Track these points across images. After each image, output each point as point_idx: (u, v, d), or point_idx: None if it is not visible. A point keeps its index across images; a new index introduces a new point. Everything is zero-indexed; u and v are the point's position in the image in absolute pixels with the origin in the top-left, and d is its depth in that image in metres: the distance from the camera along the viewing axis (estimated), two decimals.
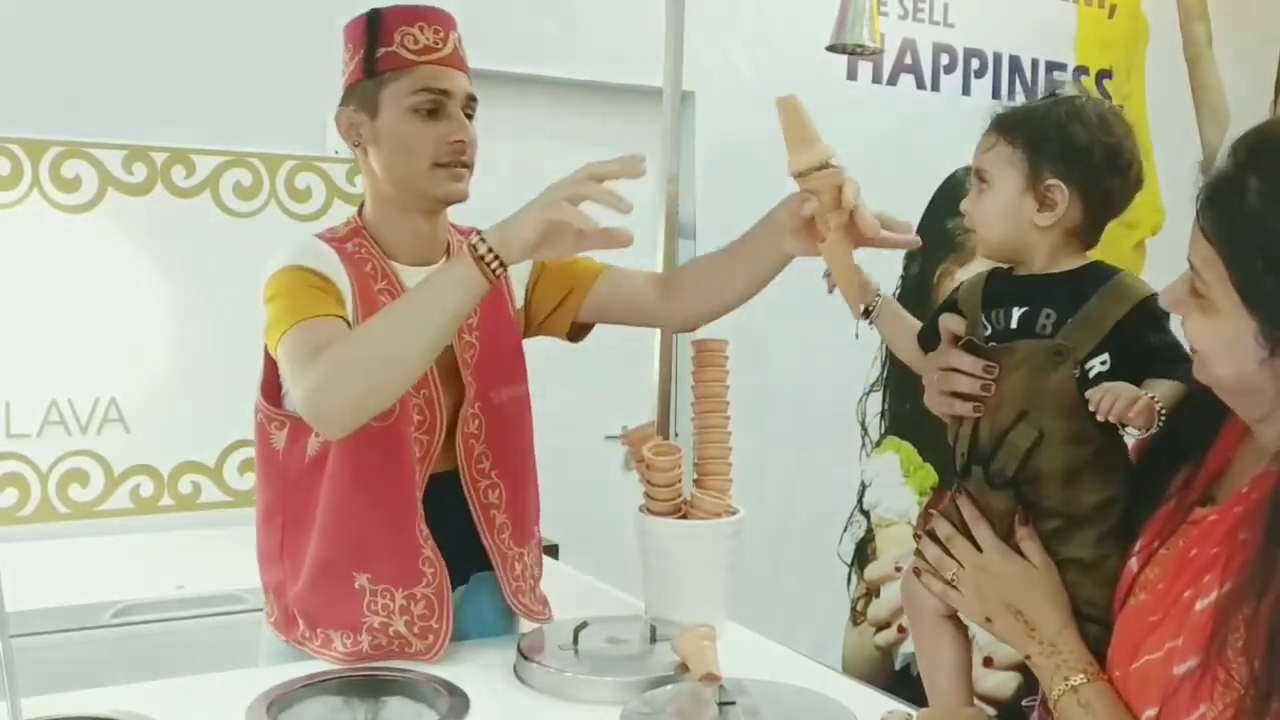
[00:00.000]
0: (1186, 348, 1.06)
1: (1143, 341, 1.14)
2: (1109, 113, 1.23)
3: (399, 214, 1.65)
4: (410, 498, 1.60)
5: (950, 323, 1.26)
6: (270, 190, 2.97)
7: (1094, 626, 1.12)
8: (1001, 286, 1.26)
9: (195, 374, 2.86)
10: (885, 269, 3.83)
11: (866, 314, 1.43)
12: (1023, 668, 1.19)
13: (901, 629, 3.86)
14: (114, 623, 2.28)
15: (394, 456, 1.58)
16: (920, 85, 3.89)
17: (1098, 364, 1.15)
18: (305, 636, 1.63)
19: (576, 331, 1.77)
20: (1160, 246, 4.05)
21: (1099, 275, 1.20)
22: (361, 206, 1.70)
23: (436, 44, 1.61)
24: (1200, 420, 1.09)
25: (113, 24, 2.81)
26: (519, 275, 1.75)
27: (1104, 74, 4.19)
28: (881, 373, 3.85)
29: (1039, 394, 1.17)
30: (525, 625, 1.74)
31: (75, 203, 2.79)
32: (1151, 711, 0.99)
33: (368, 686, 1.52)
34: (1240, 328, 0.94)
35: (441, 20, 1.64)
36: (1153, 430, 1.10)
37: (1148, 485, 1.14)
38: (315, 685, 1.50)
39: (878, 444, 3.90)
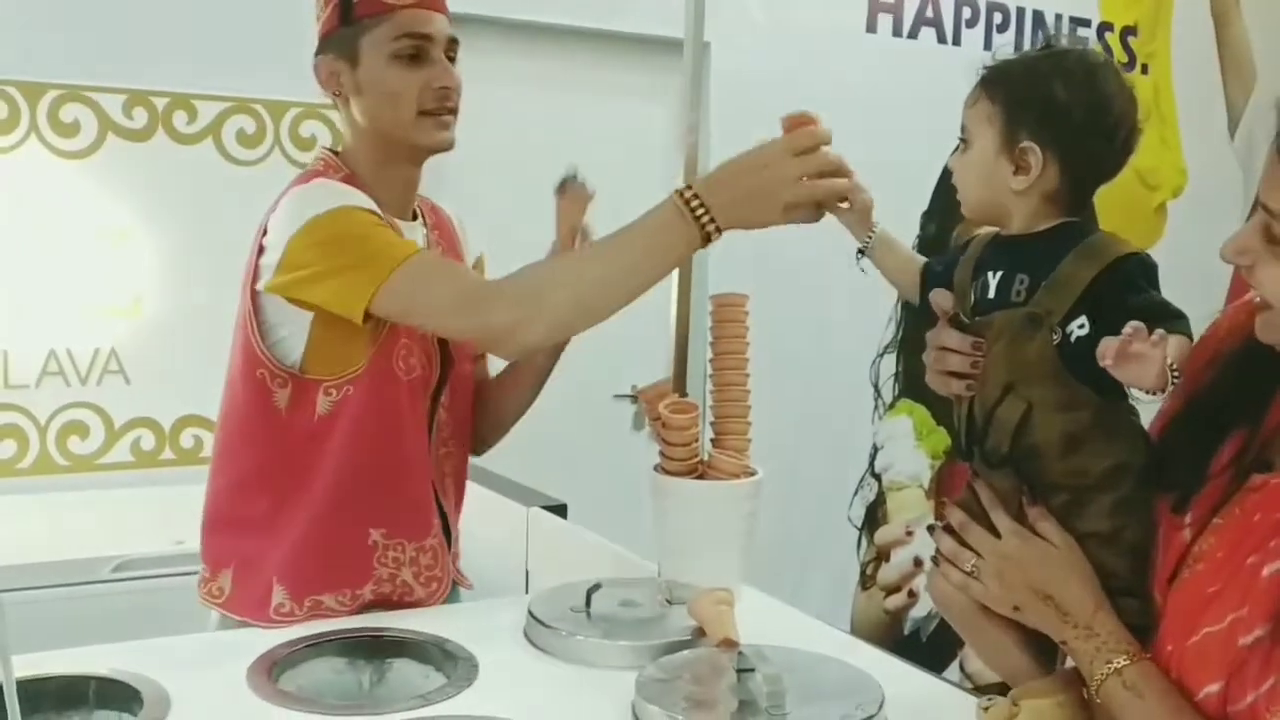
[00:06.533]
0: (1178, 307, 1.03)
1: (1121, 303, 1.06)
2: (1099, 67, 1.13)
3: (385, 164, 1.59)
4: (425, 449, 1.60)
5: (938, 298, 1.20)
6: (274, 138, 2.90)
7: (1129, 600, 1.06)
8: (989, 251, 1.19)
9: (197, 325, 2.79)
10: (902, 231, 3.75)
11: (862, 253, 1.40)
12: None
13: (912, 593, 3.82)
14: (113, 578, 2.26)
15: (416, 406, 1.57)
16: (941, 39, 3.81)
17: (1075, 328, 1.08)
18: (283, 611, 1.52)
19: None
20: (1182, 209, 3.96)
21: (1072, 235, 1.13)
22: (338, 153, 1.62)
23: None
24: (1252, 384, 1.03)
25: None
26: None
27: (1129, 30, 4.09)
28: (896, 334, 3.79)
29: (1021, 364, 1.10)
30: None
31: (74, 148, 2.73)
32: (1214, 687, 0.94)
33: (373, 647, 1.47)
34: None
35: None
36: (1167, 391, 1.02)
37: (1191, 452, 1.07)
38: (319, 645, 1.45)
39: (891, 406, 3.84)
